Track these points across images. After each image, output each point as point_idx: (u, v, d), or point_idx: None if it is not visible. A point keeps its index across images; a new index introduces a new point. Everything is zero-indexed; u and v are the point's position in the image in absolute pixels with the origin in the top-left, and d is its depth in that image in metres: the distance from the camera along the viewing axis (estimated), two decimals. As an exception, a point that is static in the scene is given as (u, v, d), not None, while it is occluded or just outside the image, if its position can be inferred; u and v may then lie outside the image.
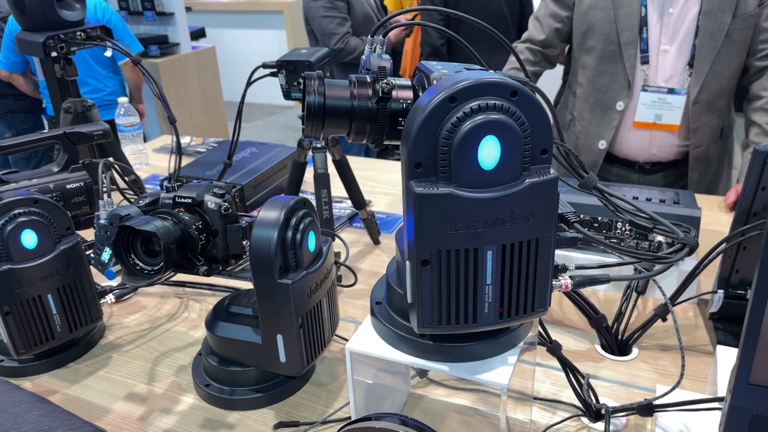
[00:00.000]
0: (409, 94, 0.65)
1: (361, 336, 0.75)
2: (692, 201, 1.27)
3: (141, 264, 0.83)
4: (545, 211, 0.58)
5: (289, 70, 1.14)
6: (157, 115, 3.59)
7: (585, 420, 0.89)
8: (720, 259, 1.02)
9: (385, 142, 0.66)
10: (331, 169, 1.23)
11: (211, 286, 1.23)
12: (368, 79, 0.65)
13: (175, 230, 0.84)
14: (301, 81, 0.98)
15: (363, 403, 0.82)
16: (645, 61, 1.62)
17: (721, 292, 1.02)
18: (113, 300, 1.19)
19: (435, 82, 0.62)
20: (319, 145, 1.21)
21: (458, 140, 0.54)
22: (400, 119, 0.64)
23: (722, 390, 0.79)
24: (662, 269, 0.69)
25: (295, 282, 0.85)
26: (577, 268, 0.69)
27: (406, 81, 0.67)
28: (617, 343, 1.04)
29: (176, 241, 0.82)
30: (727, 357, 0.84)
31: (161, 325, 1.15)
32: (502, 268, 0.59)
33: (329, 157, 1.25)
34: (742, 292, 1.02)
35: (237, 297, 1.00)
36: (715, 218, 1.46)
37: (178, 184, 0.91)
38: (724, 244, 0.97)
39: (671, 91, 1.61)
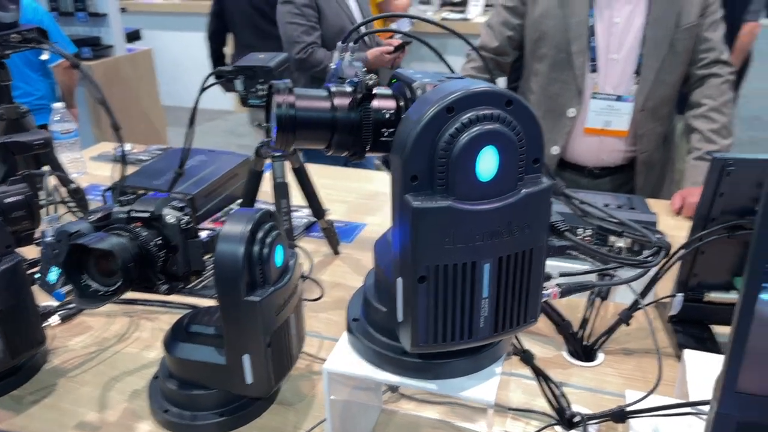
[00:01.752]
0: (392, 103, 0.62)
1: (338, 355, 0.72)
2: (644, 205, 1.30)
3: (95, 285, 0.76)
4: (539, 221, 0.57)
5: (247, 75, 1.09)
6: (89, 120, 3.42)
7: (558, 429, 0.89)
8: (679, 263, 1.05)
9: (368, 155, 0.63)
10: (289, 177, 1.19)
11: (163, 303, 1.17)
12: (348, 89, 0.62)
13: (133, 247, 0.78)
14: (261, 88, 0.94)
15: (339, 423, 0.78)
16: (594, 69, 1.66)
17: (680, 295, 1.05)
18: (58, 321, 1.10)
19: (419, 91, 0.60)
20: (277, 153, 1.17)
21: (457, 152, 0.52)
22: (383, 130, 0.61)
23: (693, 394, 0.80)
24: (642, 273, 0.70)
25: (263, 299, 0.81)
26: (561, 275, 0.68)
27: (386, 90, 0.64)
28: (583, 349, 1.05)
29: (134, 259, 0.77)
30: (695, 361, 0.85)
31: (110, 346, 1.08)
32: (498, 281, 0.57)
33: (287, 165, 1.21)
34: (700, 295, 1.05)
35: (197, 315, 0.94)
36: (664, 222, 1.50)
37: (132, 197, 0.85)
38: (682, 250, 1.00)
39: (619, 98, 1.66)
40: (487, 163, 0.53)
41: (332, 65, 0.74)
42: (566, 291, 0.66)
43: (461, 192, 0.53)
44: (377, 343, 0.69)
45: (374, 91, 0.61)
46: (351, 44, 0.73)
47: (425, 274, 0.55)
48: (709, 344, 1.05)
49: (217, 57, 3.64)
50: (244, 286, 0.80)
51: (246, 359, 0.84)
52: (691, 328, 1.07)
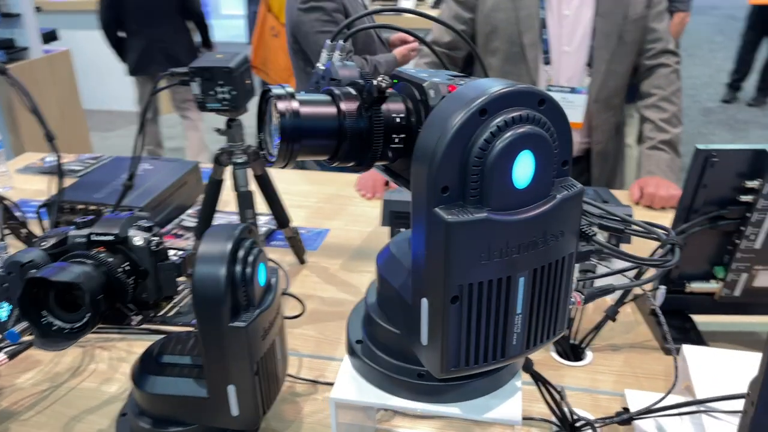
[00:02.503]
0: (400, 106, 0.57)
1: (344, 381, 0.66)
2: (614, 198, 1.30)
3: (58, 322, 0.67)
4: (571, 228, 0.53)
5: (205, 77, 1.00)
6: (5, 128, 3.16)
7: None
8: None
9: (377, 164, 0.57)
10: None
11: (119, 330, 1.06)
12: (353, 92, 0.56)
13: (99, 276, 0.69)
14: (221, 90, 0.86)
15: (341, 453, 0.72)
16: (547, 61, 1.66)
17: (663, 287, 1.04)
18: (6, 359, 0.98)
19: (432, 92, 0.55)
20: (240, 160, 1.09)
21: (493, 158, 0.47)
22: (394, 136, 0.56)
23: (699, 391, 0.79)
24: (662, 273, 0.67)
25: (250, 324, 0.73)
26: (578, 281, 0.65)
27: (393, 92, 0.58)
28: (570, 348, 1.03)
29: (102, 289, 0.68)
30: (696, 355, 0.85)
31: (64, 382, 0.97)
32: (532, 295, 0.53)
33: (250, 173, 1.12)
34: (682, 286, 1.05)
35: (167, 344, 0.85)
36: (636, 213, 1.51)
37: (90, 218, 0.76)
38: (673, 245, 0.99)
39: (573, 90, 1.66)
40: (524, 169, 0.49)
41: (321, 66, 0.68)
42: (589, 297, 0.63)
43: (497, 202, 0.48)
44: (388, 366, 0.63)
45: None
46: (341, 43, 0.67)
47: (458, 293, 0.50)
48: (692, 335, 1.05)
49: (118, 49, 3.55)
50: (228, 311, 0.72)
51: (231, 390, 0.76)
52: (674, 320, 1.07)
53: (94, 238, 0.73)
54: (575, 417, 0.83)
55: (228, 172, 1.13)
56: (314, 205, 1.58)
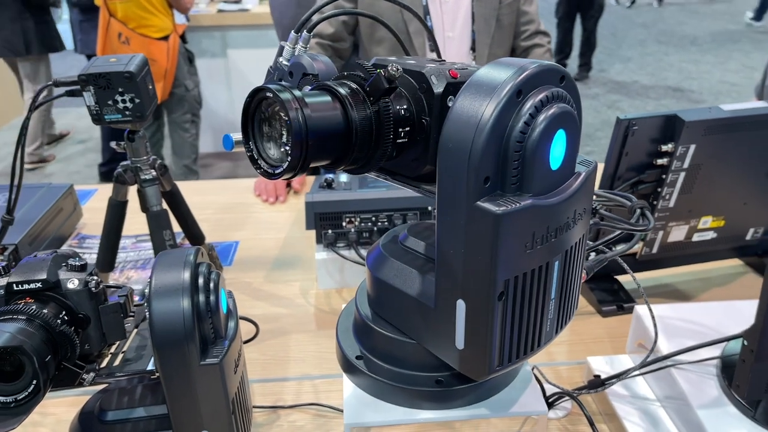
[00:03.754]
0: (401, 97, 0.52)
1: (354, 404, 0.60)
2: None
3: (-5, 398, 0.53)
4: (589, 204, 0.52)
5: (100, 85, 0.87)
6: None
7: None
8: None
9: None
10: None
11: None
12: (354, 85, 0.50)
13: (39, 333, 0.56)
14: (122, 99, 0.78)
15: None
16: (433, 49, 1.67)
17: (593, 254, 1.09)
18: None
19: (434, 78, 0.51)
20: (148, 177, 0.96)
21: (534, 141, 0.44)
22: (400, 130, 0.51)
23: (663, 347, 0.83)
24: (638, 239, 0.70)
25: (223, 359, 0.65)
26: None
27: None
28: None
29: (49, 349, 0.55)
30: (647, 314, 0.89)
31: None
32: (562, 278, 0.51)
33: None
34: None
35: (108, 399, 0.72)
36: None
37: (2, 264, 0.62)
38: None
39: (460, 75, 1.69)
40: (558, 150, 0.47)
41: (284, 60, 0.61)
42: (589, 270, 0.63)
43: (538, 187, 0.46)
44: (402, 378, 0.58)
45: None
46: (305, 34, 0.61)
47: (503, 289, 0.47)
48: (621, 295, 1.12)
49: None
50: (197, 348, 0.63)
51: (205, 436, 0.67)
52: (603, 283, 1.14)
53: (16, 288, 0.60)
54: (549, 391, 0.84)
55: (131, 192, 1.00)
56: (213, 218, 1.46)
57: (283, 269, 1.24)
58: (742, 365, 0.62)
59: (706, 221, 1.08)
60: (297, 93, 0.45)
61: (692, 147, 0.97)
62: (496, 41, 1.69)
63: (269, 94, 0.46)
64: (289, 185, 1.59)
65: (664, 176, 1.00)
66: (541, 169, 0.46)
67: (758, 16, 8.38)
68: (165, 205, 0.99)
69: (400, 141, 0.51)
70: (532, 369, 0.83)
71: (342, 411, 0.87)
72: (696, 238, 1.10)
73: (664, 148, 0.98)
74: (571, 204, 0.48)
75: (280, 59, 0.60)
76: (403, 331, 0.58)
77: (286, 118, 0.44)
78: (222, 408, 0.66)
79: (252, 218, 1.46)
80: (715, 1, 10.03)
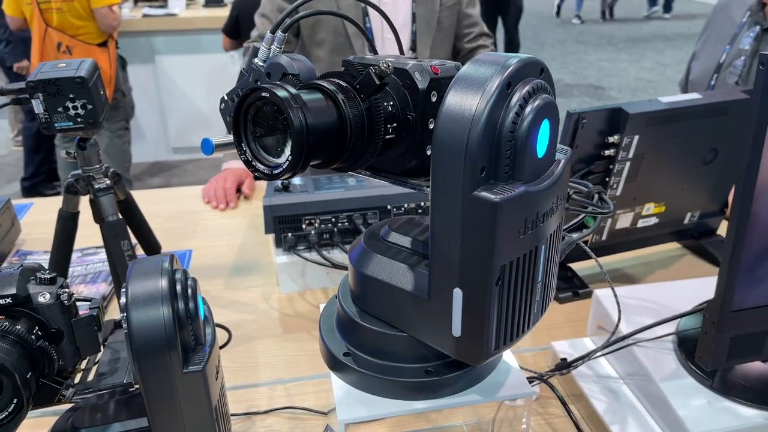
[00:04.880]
0: (387, 94, 0.53)
1: (346, 401, 0.60)
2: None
3: (-30, 421, 0.50)
4: (566, 189, 0.55)
5: (50, 92, 0.83)
6: None
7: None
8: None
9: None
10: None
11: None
12: (343, 83, 0.50)
13: (16, 349, 0.53)
14: (73, 105, 0.77)
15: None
16: (372, 50, 1.69)
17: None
18: None
19: (418, 74, 0.52)
20: (102, 186, 0.93)
21: (524, 131, 0.46)
22: (389, 126, 0.52)
23: (623, 327, 0.87)
24: (600, 221, 0.74)
25: (205, 365, 0.63)
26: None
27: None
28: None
29: (29, 366, 0.53)
30: (606, 298, 0.93)
31: None
32: (546, 260, 0.54)
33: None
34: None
35: (80, 417, 0.69)
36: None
37: (-37, 280, 0.59)
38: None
39: (403, 76, 1.72)
40: (544, 138, 0.49)
41: (259, 62, 0.60)
42: (561, 253, 0.66)
43: (528, 174, 0.48)
44: (393, 371, 0.59)
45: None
46: (280, 34, 0.61)
47: (500, 275, 0.48)
48: (576, 281, 1.16)
49: None
50: (179, 357, 0.62)
51: (188, 447, 0.65)
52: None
53: (-17, 305, 0.56)
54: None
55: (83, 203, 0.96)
56: (162, 227, 1.42)
57: (241, 275, 1.22)
58: (704, 337, 0.67)
59: (649, 208, 1.15)
60: (293, 91, 0.45)
61: (636, 138, 1.03)
62: (437, 43, 1.72)
63: (265, 94, 0.45)
64: (239, 190, 1.56)
65: (611, 166, 1.06)
66: (531, 157, 0.48)
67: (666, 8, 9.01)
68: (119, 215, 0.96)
69: (388, 137, 0.52)
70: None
71: (318, 412, 0.87)
72: (640, 224, 1.17)
73: (611, 139, 1.03)
74: (555, 190, 0.51)
75: (255, 60, 0.60)
76: (394, 325, 0.58)
77: (284, 118, 0.44)
78: (205, 416, 0.65)
79: (203, 225, 1.43)
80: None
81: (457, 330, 0.52)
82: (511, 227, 0.47)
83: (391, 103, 0.52)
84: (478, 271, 0.48)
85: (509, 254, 0.48)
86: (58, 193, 3.53)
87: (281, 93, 0.45)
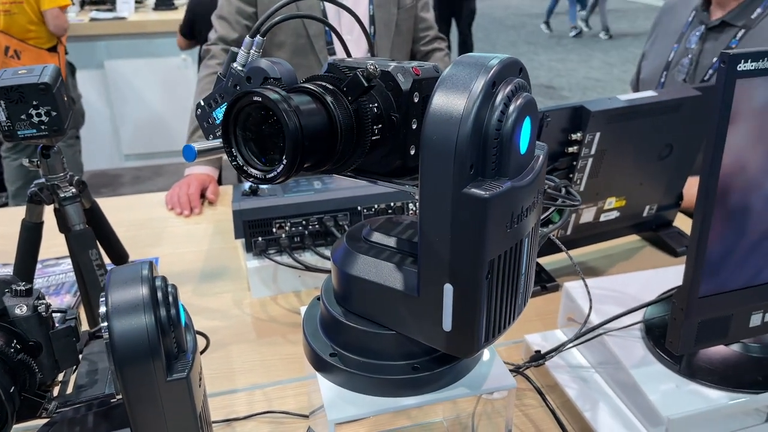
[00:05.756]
0: (372, 95, 0.54)
1: (334, 401, 0.61)
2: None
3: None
4: (544, 183, 0.57)
5: (12, 99, 0.81)
6: None
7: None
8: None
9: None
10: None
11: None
12: (330, 86, 0.51)
13: (-4, 365, 0.52)
14: (37, 112, 0.77)
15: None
16: (332, 52, 1.70)
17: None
18: None
19: (401, 76, 0.53)
20: (68, 194, 0.91)
21: (508, 129, 0.48)
22: (374, 127, 0.53)
23: (593, 318, 0.90)
24: (570, 212, 0.76)
25: (189, 371, 0.63)
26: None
27: None
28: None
29: (10, 380, 0.51)
30: (576, 290, 0.96)
31: None
32: (529, 253, 0.56)
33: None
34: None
35: (57, 430, 0.68)
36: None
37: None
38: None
39: (364, 78, 1.73)
40: (526, 135, 0.51)
41: (239, 66, 0.60)
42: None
43: (513, 170, 0.49)
44: (381, 369, 0.60)
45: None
46: (259, 38, 0.61)
47: (489, 269, 0.50)
48: (543, 275, 1.20)
49: None
50: (163, 365, 0.61)
51: (173, 456, 0.64)
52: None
53: (-43, 319, 0.55)
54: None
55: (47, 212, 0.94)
56: (126, 235, 1.38)
57: (211, 281, 1.20)
58: (673, 323, 0.70)
59: (611, 202, 1.19)
60: (285, 94, 0.46)
61: (597, 134, 1.07)
62: (396, 46, 1.74)
63: (257, 98, 0.46)
64: (202, 195, 1.54)
65: (574, 163, 1.09)
66: (515, 154, 0.49)
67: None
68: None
69: (374, 138, 0.53)
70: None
71: (298, 415, 0.87)
72: (603, 218, 1.21)
73: (574, 136, 1.07)
74: (536, 184, 0.53)
75: (234, 65, 0.60)
76: (382, 324, 0.59)
77: (276, 121, 0.45)
78: (190, 424, 0.64)
79: (168, 233, 1.41)
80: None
81: (447, 325, 0.53)
82: (500, 222, 0.49)
83: (376, 104, 0.53)
84: (469, 267, 0.49)
85: (497, 248, 0.50)
86: (5, 204, 3.40)
87: (273, 96, 0.45)
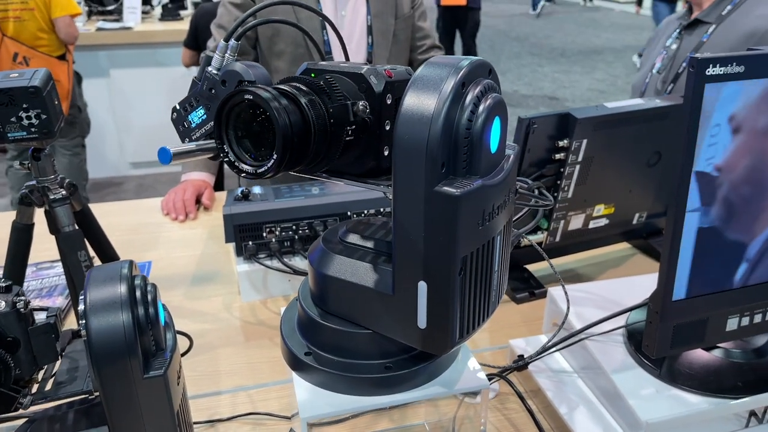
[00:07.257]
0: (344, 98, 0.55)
1: (308, 399, 0.61)
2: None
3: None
4: (515, 183, 0.58)
5: (2, 102, 0.82)
6: None
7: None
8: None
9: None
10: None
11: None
12: (304, 88, 0.52)
13: (-29, 359, 0.53)
14: (27, 116, 0.78)
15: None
16: (330, 61, 1.71)
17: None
18: None
19: (372, 78, 0.54)
20: (58, 197, 0.92)
21: (479, 128, 0.49)
22: (348, 128, 0.54)
23: (576, 323, 0.90)
24: (542, 214, 0.78)
25: (167, 369, 0.64)
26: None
27: None
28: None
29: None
30: (561, 296, 0.97)
31: None
32: (502, 250, 0.56)
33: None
34: (517, 241, 1.19)
35: (38, 427, 0.68)
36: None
37: None
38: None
39: (361, 86, 1.74)
40: (496, 134, 0.52)
41: (214, 70, 0.62)
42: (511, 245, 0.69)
43: (484, 169, 0.50)
44: (354, 368, 0.61)
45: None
46: (234, 42, 0.62)
47: (462, 266, 0.51)
48: (532, 282, 1.20)
49: None
50: (140, 363, 0.62)
51: (151, 454, 0.65)
52: (514, 272, 1.21)
53: (-63, 315, 0.56)
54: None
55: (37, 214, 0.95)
56: (122, 239, 1.40)
57: (202, 285, 1.21)
58: (649, 326, 0.70)
59: (599, 209, 1.19)
60: (275, 93, 0.47)
61: (585, 141, 1.07)
62: (393, 55, 1.76)
63: (249, 96, 0.47)
64: (198, 201, 1.56)
65: (562, 169, 1.10)
66: (486, 152, 0.50)
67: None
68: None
69: (348, 139, 0.54)
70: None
71: (281, 417, 0.88)
72: (591, 225, 1.21)
73: (561, 143, 1.08)
74: (507, 183, 0.54)
75: (209, 68, 0.61)
76: (357, 323, 0.60)
77: (267, 118, 0.46)
78: (168, 422, 0.65)
79: (163, 237, 1.42)
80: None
81: (422, 322, 0.54)
82: (471, 219, 0.50)
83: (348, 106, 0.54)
84: (442, 264, 0.50)
85: (470, 245, 0.51)
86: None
87: (265, 95, 0.46)
